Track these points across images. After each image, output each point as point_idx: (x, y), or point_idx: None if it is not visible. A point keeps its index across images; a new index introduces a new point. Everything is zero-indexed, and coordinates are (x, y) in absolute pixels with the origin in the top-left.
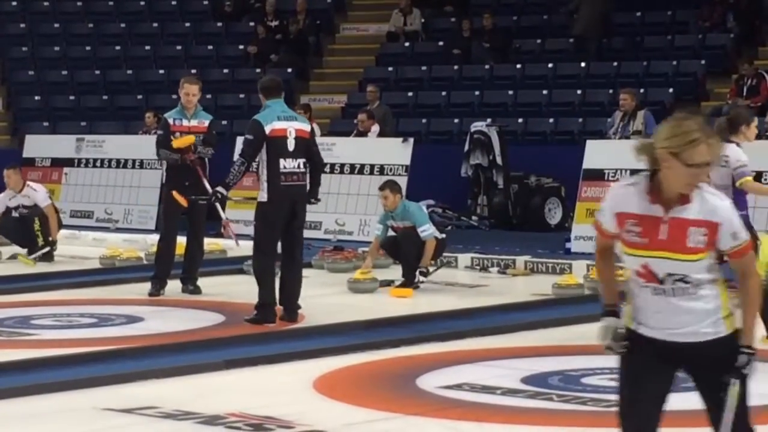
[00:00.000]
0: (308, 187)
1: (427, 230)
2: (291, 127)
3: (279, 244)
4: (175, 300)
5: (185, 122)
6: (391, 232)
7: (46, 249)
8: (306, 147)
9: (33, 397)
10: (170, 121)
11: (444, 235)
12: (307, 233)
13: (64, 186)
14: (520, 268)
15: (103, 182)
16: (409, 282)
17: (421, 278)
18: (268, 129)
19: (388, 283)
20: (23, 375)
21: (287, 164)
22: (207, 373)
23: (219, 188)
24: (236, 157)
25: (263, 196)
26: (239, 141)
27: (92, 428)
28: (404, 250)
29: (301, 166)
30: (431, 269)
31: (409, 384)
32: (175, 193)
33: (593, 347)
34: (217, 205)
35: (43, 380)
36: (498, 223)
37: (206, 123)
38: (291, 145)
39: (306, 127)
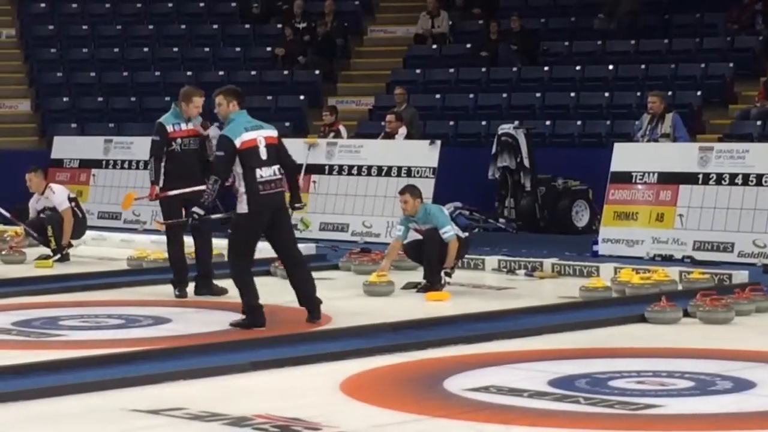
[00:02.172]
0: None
1: (449, 231)
2: (260, 135)
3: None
4: (202, 301)
5: (184, 126)
6: (413, 234)
7: (57, 256)
8: (277, 153)
9: (60, 397)
10: (169, 127)
11: (467, 234)
12: (334, 235)
13: (92, 187)
14: (547, 271)
15: (131, 183)
16: (432, 284)
17: (446, 279)
18: (238, 142)
19: (414, 286)
20: (51, 376)
21: (263, 173)
22: (234, 374)
23: (195, 209)
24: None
25: (243, 208)
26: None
27: (119, 429)
28: (427, 252)
29: (277, 172)
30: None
31: (436, 386)
32: (156, 222)
33: (620, 350)
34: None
35: (70, 381)
36: (525, 226)
37: (274, 133)
38: (264, 154)
39: (274, 133)
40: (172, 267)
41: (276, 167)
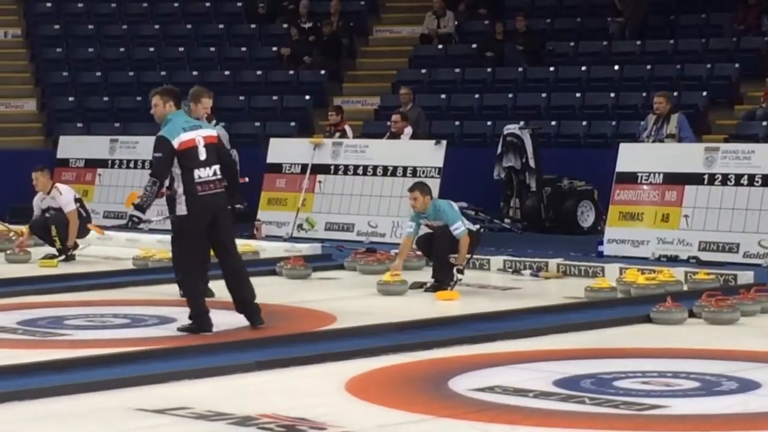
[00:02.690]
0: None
1: (460, 228)
2: (199, 135)
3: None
4: (208, 301)
5: None
6: (424, 229)
7: (62, 257)
8: (216, 153)
9: (66, 397)
10: None
11: (479, 226)
12: (339, 235)
13: (98, 187)
14: (552, 271)
15: (137, 183)
16: (442, 282)
17: (459, 276)
18: (176, 143)
19: (420, 285)
20: (56, 375)
21: (202, 174)
22: (239, 374)
23: (135, 212)
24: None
25: (182, 210)
26: (273, 143)
27: (125, 428)
28: (437, 250)
29: (217, 172)
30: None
31: (441, 386)
32: (91, 226)
33: (626, 350)
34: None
35: (75, 380)
36: (530, 226)
37: (214, 132)
38: (202, 154)
39: (213, 132)
40: None
41: (216, 167)
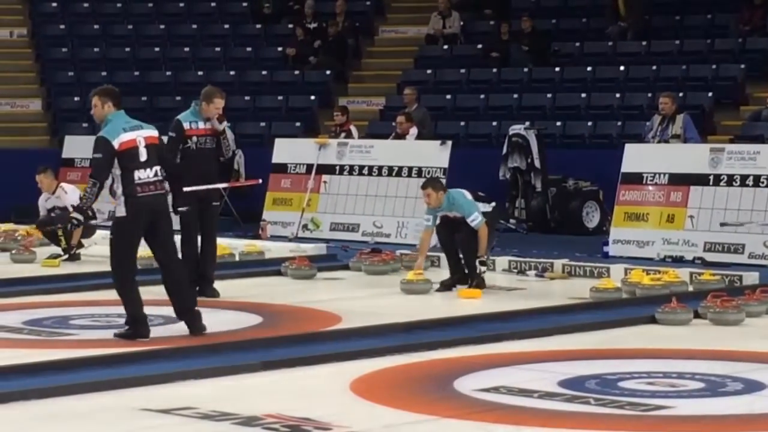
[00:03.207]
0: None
1: (477, 218)
2: (140, 136)
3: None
4: (213, 301)
5: (201, 125)
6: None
7: (65, 256)
8: (158, 153)
9: (71, 397)
10: (186, 125)
11: (493, 204)
12: (344, 235)
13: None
14: (557, 272)
15: None
16: (462, 278)
17: (482, 268)
18: (116, 143)
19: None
20: (61, 375)
21: (142, 175)
22: (244, 374)
23: (74, 214)
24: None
25: (121, 212)
26: (278, 143)
27: (129, 428)
28: (464, 251)
29: (158, 173)
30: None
31: (446, 386)
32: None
33: (631, 351)
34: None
35: (80, 380)
36: (536, 227)
37: (154, 133)
38: (143, 155)
39: (154, 133)
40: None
41: (157, 168)
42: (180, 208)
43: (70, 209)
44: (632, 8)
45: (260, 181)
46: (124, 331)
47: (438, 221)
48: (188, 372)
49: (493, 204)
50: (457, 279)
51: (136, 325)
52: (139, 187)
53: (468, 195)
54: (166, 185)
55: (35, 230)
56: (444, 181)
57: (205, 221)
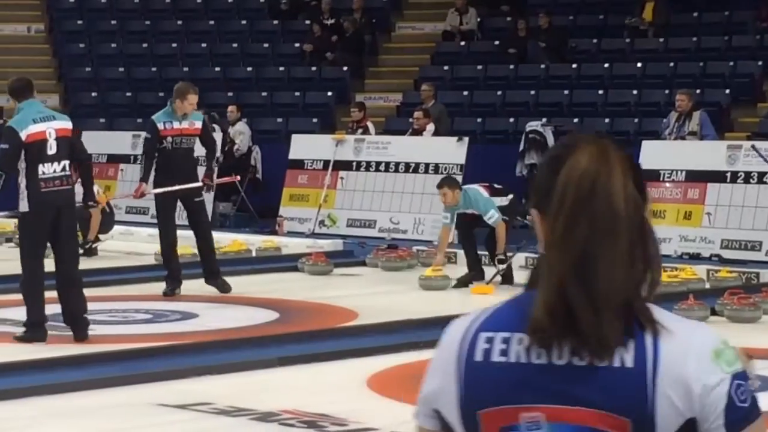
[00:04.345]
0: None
1: (493, 216)
2: (50, 128)
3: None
4: (230, 297)
5: (176, 124)
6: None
7: (81, 251)
8: (70, 146)
9: (88, 392)
10: (160, 125)
11: (511, 196)
12: (361, 231)
13: (120, 182)
14: None
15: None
16: (478, 275)
17: (501, 266)
18: (24, 135)
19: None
20: (78, 370)
21: (46, 169)
22: (261, 370)
23: None
24: None
25: (24, 206)
26: (295, 139)
27: (147, 423)
28: (488, 248)
29: (66, 168)
30: (508, 256)
31: None
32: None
33: None
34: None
35: (98, 375)
36: None
37: (197, 124)
38: (52, 148)
39: (67, 124)
40: (165, 262)
41: (65, 162)
42: (90, 202)
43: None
44: (660, 13)
45: (238, 178)
46: (21, 334)
47: (454, 221)
48: (205, 368)
49: (510, 196)
50: (473, 275)
51: (34, 328)
52: (43, 182)
53: (484, 191)
54: (72, 180)
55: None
56: (460, 178)
57: (190, 218)
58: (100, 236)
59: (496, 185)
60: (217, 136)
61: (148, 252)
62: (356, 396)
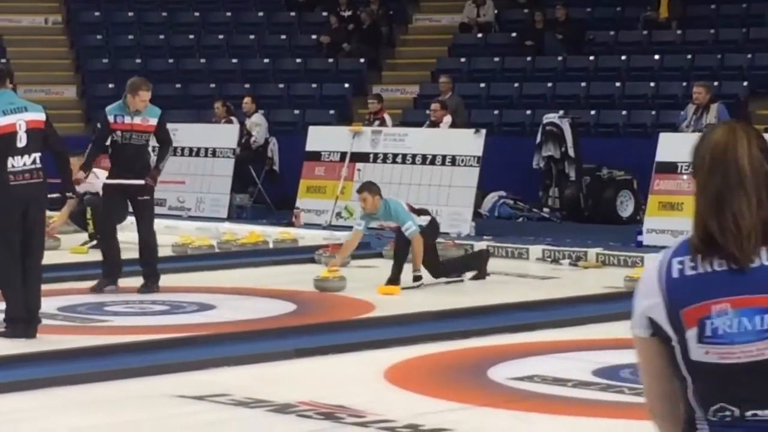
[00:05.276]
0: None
1: (411, 227)
2: (21, 120)
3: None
4: (247, 288)
5: (127, 119)
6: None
7: (93, 242)
8: (43, 138)
9: (105, 383)
10: (110, 118)
11: (429, 218)
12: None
13: None
14: (591, 261)
15: (176, 170)
16: (395, 279)
17: (415, 284)
18: None
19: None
20: (96, 361)
21: (16, 162)
22: (278, 361)
23: None
24: None
25: None
26: (312, 131)
27: (164, 415)
28: (397, 251)
29: (37, 161)
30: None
31: (480, 375)
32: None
33: None
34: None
35: (115, 366)
36: (569, 215)
37: (152, 120)
38: (21, 141)
39: (40, 116)
40: (105, 258)
41: (36, 155)
42: (68, 194)
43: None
44: (675, 8)
45: (185, 182)
46: (2, 331)
47: (367, 230)
48: (222, 359)
49: (429, 218)
50: (391, 281)
51: (13, 324)
52: (12, 176)
53: (404, 205)
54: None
55: (56, 217)
56: (477, 170)
57: (136, 216)
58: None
59: (415, 206)
60: (234, 127)
61: (165, 243)
62: (373, 388)
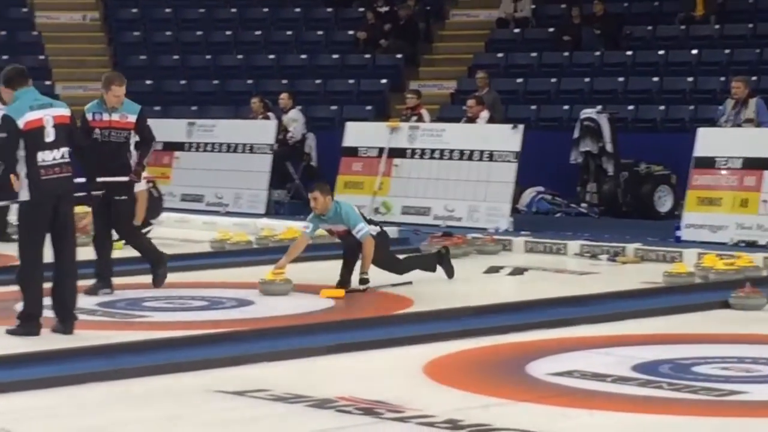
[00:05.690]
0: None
1: (362, 230)
2: (48, 115)
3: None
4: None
5: (105, 116)
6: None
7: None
8: (68, 134)
9: (145, 378)
10: (89, 116)
11: (379, 229)
12: (415, 219)
13: (175, 170)
14: (630, 256)
15: (214, 166)
16: (344, 282)
17: (361, 287)
18: (21, 122)
19: (497, 270)
20: (135, 357)
21: (46, 157)
22: (317, 356)
23: None
24: None
25: (24, 195)
26: (349, 126)
27: (204, 410)
28: (346, 254)
29: (65, 155)
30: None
31: (519, 370)
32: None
33: (704, 336)
34: None
35: (155, 362)
36: (607, 211)
37: (131, 117)
38: (50, 135)
39: (65, 111)
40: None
41: (65, 150)
42: (95, 192)
43: (136, 190)
44: (711, 3)
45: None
46: (15, 327)
47: (315, 232)
48: (261, 354)
49: (379, 230)
50: (340, 284)
51: (29, 322)
52: (43, 170)
53: (356, 209)
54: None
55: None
56: (515, 165)
57: (114, 217)
58: (152, 221)
59: (367, 217)
60: (272, 123)
61: (203, 239)
62: (413, 383)
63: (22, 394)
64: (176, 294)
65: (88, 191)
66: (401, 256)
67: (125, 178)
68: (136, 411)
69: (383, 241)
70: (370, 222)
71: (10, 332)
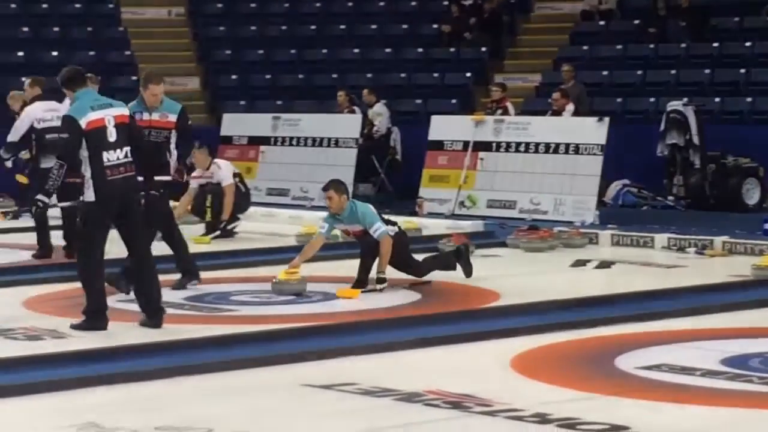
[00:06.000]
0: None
1: (379, 229)
2: (108, 115)
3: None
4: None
5: (145, 116)
6: (337, 232)
7: (216, 233)
8: (129, 133)
9: (232, 372)
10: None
11: (397, 229)
12: (501, 212)
13: (261, 164)
14: (717, 249)
15: (299, 160)
16: (360, 283)
17: (378, 286)
18: (83, 123)
19: (583, 263)
20: (222, 351)
21: (110, 156)
22: (404, 350)
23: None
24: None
25: (90, 196)
26: (434, 120)
27: (293, 404)
28: (364, 254)
29: (128, 154)
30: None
31: (608, 364)
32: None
33: None
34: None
35: (242, 356)
36: (694, 204)
37: (171, 117)
38: (112, 135)
39: (125, 111)
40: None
41: (127, 149)
42: (153, 192)
43: (224, 184)
44: None
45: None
46: (79, 322)
47: (331, 233)
48: (348, 348)
49: (397, 230)
50: (357, 284)
51: (95, 317)
52: (108, 170)
53: (372, 208)
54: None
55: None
56: (601, 158)
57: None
58: (239, 215)
59: (385, 216)
60: (357, 117)
61: (289, 234)
62: (500, 377)
63: (111, 387)
64: (262, 288)
65: (146, 190)
66: (419, 257)
67: (166, 178)
68: (223, 404)
69: (402, 242)
70: (387, 222)
71: (74, 327)
